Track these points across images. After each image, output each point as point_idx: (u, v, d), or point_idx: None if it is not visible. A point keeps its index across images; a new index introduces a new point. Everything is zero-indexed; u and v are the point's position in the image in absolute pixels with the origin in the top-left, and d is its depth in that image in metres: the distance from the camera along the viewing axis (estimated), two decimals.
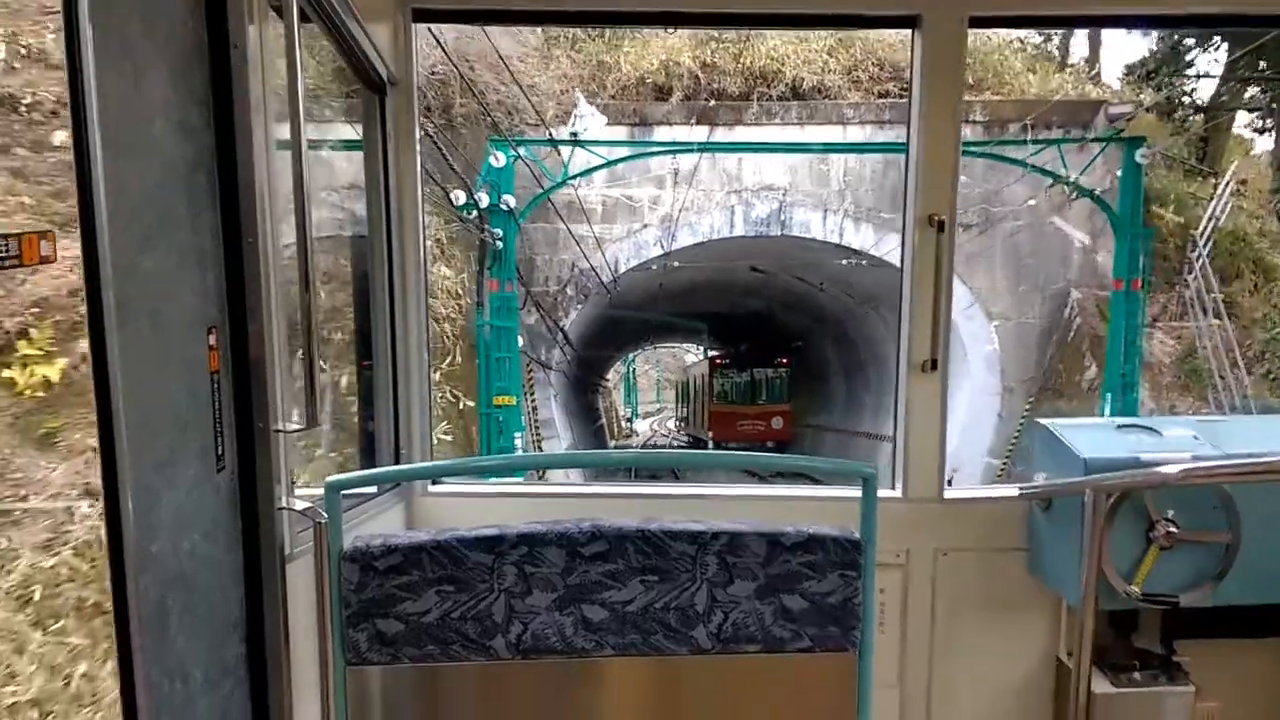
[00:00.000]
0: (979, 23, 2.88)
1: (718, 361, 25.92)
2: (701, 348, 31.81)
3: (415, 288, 2.97)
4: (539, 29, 15.09)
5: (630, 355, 37.36)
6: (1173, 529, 2.60)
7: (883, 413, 19.82)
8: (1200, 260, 14.07)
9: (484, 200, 11.20)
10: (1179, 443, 2.77)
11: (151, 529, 1.50)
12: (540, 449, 14.22)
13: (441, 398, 10.16)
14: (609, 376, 35.76)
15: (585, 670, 1.97)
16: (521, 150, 11.62)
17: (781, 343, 25.34)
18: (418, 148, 2.94)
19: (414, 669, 1.93)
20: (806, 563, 1.94)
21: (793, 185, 15.63)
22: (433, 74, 11.31)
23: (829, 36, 15.70)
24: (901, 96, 15.81)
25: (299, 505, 1.88)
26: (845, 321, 20.94)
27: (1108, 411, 11.54)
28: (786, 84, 15.22)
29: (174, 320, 1.60)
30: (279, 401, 1.83)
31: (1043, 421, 2.99)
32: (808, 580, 1.94)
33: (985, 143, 11.91)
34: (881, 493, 2.27)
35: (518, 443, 11.68)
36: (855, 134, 15.34)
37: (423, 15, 2.93)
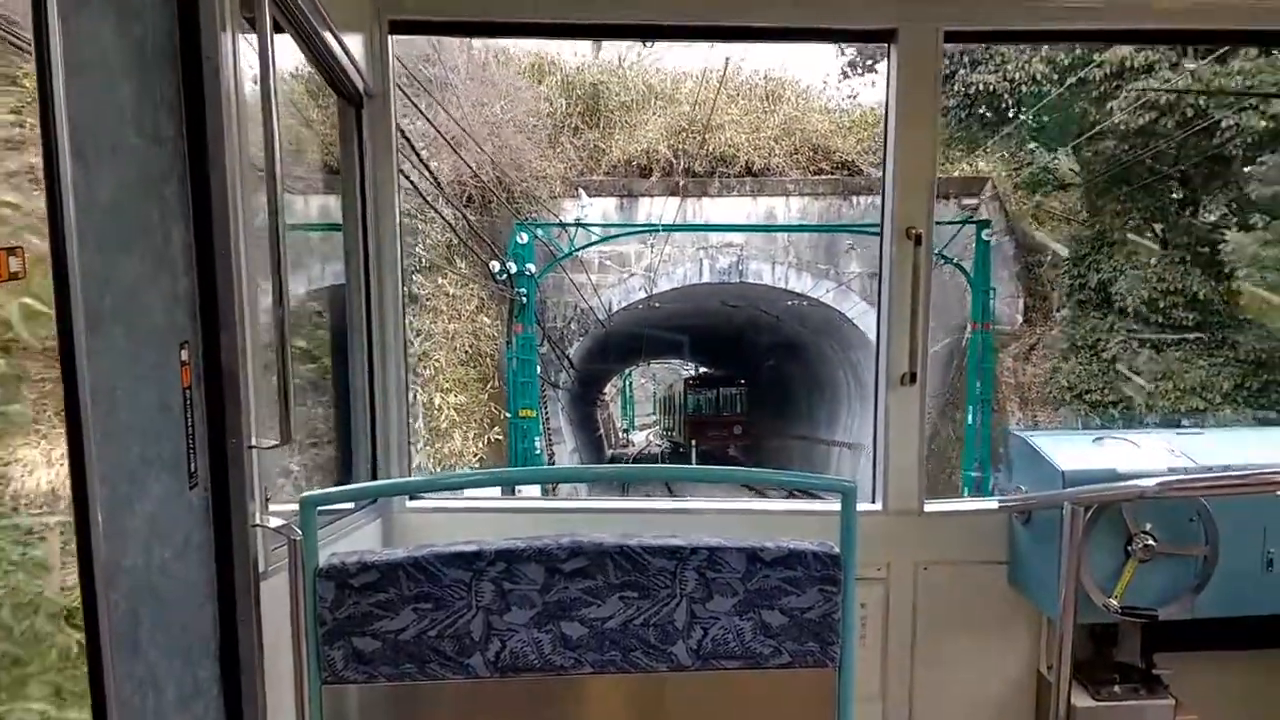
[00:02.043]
0: (954, 37, 2.90)
1: (691, 382, 30.68)
2: (692, 364, 36.19)
3: (393, 299, 2.91)
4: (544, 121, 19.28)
5: (626, 371, 41.17)
6: (1150, 542, 2.57)
7: (834, 423, 23.93)
8: (1063, 303, 18.26)
9: (512, 268, 15.43)
10: (1156, 456, 2.75)
11: (122, 542, 1.46)
12: (552, 452, 18.18)
13: (488, 411, 14.37)
14: (606, 392, 39.72)
15: (564, 688, 1.95)
16: (538, 231, 15.88)
17: (743, 366, 29.81)
18: (395, 159, 2.90)
19: (391, 687, 1.91)
20: (786, 578, 1.92)
21: (748, 242, 19.72)
22: (476, 179, 15.55)
23: (775, 127, 19.92)
24: (831, 173, 20.03)
25: (273, 522, 1.85)
26: (803, 347, 24.97)
27: (970, 417, 15.71)
28: (742, 164, 19.40)
29: (145, 333, 1.56)
30: (252, 417, 1.79)
31: (1021, 434, 2.98)
32: (787, 595, 1.92)
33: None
34: (861, 506, 2.24)
35: (537, 444, 15.83)
36: (796, 204, 19.48)
37: (399, 26, 2.89)
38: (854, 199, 19.27)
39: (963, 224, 15.11)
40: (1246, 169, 13.12)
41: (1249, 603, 2.67)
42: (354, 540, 2.54)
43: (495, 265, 15.18)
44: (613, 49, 21.92)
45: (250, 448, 1.79)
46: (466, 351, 14.49)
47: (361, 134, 2.78)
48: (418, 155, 13.52)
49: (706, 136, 19.06)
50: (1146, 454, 2.78)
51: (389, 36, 2.84)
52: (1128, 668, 2.86)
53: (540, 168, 17.26)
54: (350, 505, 2.65)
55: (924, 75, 2.83)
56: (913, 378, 2.86)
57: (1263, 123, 12.88)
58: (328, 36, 2.34)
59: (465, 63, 17.11)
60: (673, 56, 26.12)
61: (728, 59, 18.68)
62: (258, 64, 1.79)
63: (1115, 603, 2.58)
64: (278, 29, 1.94)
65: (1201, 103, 12.70)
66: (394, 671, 1.90)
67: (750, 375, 29.74)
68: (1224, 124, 12.64)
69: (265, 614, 1.84)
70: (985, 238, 15.13)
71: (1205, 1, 2.87)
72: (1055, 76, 15.12)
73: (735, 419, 29.58)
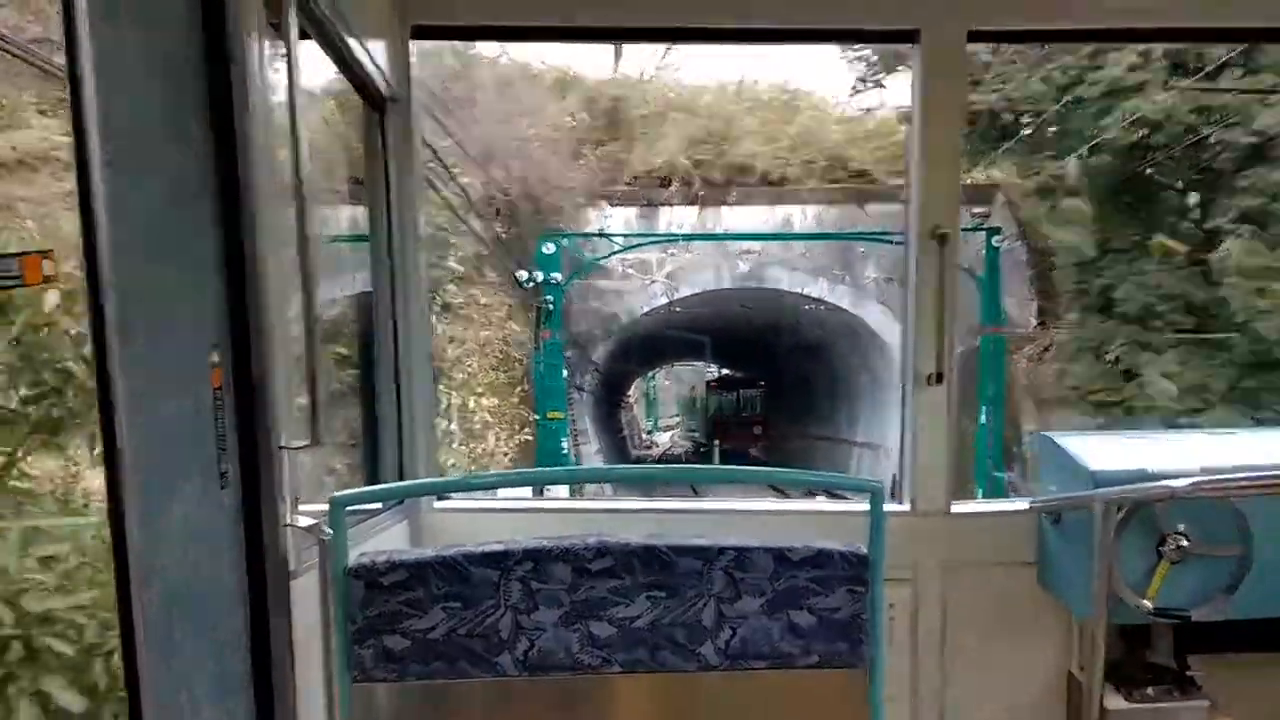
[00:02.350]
0: (978, 37, 2.90)
1: (712, 384, 31.50)
2: (715, 365, 36.91)
3: (418, 302, 2.95)
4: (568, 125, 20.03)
5: (650, 374, 41.87)
6: (1183, 542, 2.56)
7: (854, 424, 24.45)
8: (1069, 307, 18.69)
9: (539, 276, 16.19)
10: (1188, 455, 2.74)
11: (156, 544, 1.49)
12: (578, 452, 18.90)
13: (518, 414, 15.14)
14: (630, 393, 40.45)
15: (592, 687, 1.97)
16: (564, 241, 16.64)
17: (763, 368, 30.50)
18: (419, 162, 2.94)
19: (420, 686, 1.93)
20: (814, 578, 1.93)
21: (765, 249, 20.40)
22: (505, 194, 16.34)
23: (792, 138, 20.50)
24: (847, 182, 20.56)
25: (303, 522, 1.87)
26: (821, 350, 25.49)
27: (983, 417, 16.21)
28: (759, 174, 20.06)
29: (176, 336, 1.59)
30: (282, 419, 1.82)
31: (1050, 434, 2.97)
32: (815, 596, 1.93)
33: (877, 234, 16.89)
34: (889, 507, 2.26)
35: (564, 444, 16.55)
36: (812, 211, 20.06)
37: (422, 32, 2.93)
38: (868, 206, 19.82)
39: (973, 230, 15.61)
40: (1242, 183, 13.68)
41: None
42: (382, 540, 2.57)
43: (522, 274, 15.93)
44: (634, 63, 22.65)
45: (281, 448, 1.83)
46: (497, 357, 15.27)
47: (386, 138, 2.85)
48: (449, 172, 14.32)
49: (725, 147, 19.75)
50: (1178, 454, 2.78)
51: (412, 42, 2.91)
52: (1161, 669, 2.85)
53: (565, 180, 18.02)
54: (378, 506, 2.69)
55: (949, 75, 2.85)
56: (939, 378, 2.88)
57: (1247, 138, 13.64)
58: (352, 42, 2.39)
59: (493, 81, 17.91)
60: (691, 68, 26.93)
61: (742, 78, 19.36)
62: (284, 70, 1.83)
63: (1148, 603, 2.58)
64: (303, 35, 1.98)
65: (1191, 119, 13.42)
66: (423, 670, 1.93)
67: (770, 377, 30.46)
68: (1212, 139, 13.33)
69: (295, 613, 1.88)
70: (995, 244, 15.62)
71: None
72: (1053, 95, 15.67)
73: (756, 419, 30.37)
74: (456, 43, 15.77)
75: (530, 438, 14.88)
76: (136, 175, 1.48)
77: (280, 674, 1.84)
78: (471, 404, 13.70)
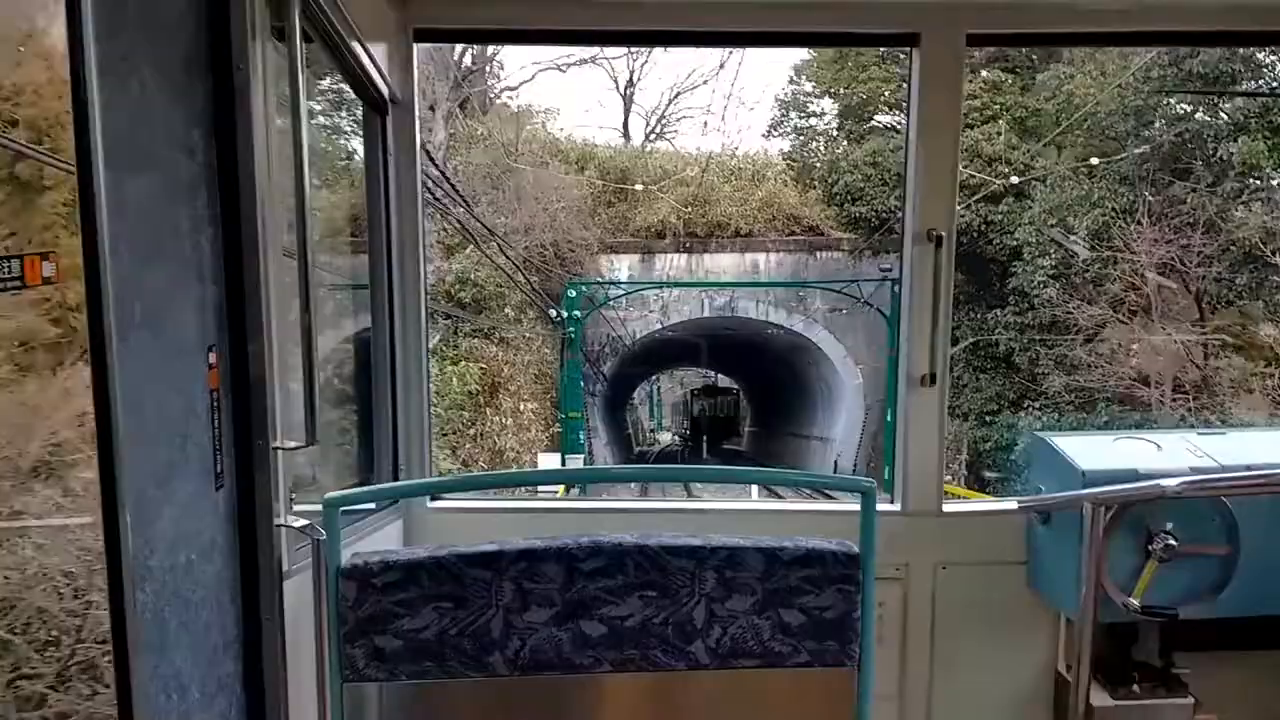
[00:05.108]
0: (976, 41, 2.94)
1: (695, 392, 38.09)
2: (709, 371, 42.99)
3: (415, 302, 2.96)
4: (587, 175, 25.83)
5: (655, 378, 47.50)
6: (1171, 542, 2.58)
7: (812, 422, 29.95)
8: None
9: (565, 313, 22.13)
10: (1177, 455, 2.79)
11: (150, 543, 1.49)
12: (591, 445, 24.52)
13: (550, 414, 21.13)
14: (635, 397, 46.17)
15: (583, 686, 2.01)
16: (583, 287, 22.65)
17: (738, 377, 36.74)
18: (419, 167, 2.99)
19: (411, 686, 1.95)
20: (805, 577, 1.95)
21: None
22: (543, 250, 22.30)
23: (759, 201, 26.21)
24: (802, 235, 26.29)
25: (297, 522, 1.88)
26: (783, 364, 31.01)
27: (889, 416, 22.03)
28: (732, 229, 25.55)
29: (174, 337, 1.60)
30: (278, 419, 1.83)
31: (1041, 434, 3.02)
32: (806, 595, 1.94)
33: (815, 282, 22.79)
34: (880, 506, 2.31)
35: (581, 436, 22.41)
36: (774, 258, 25.68)
37: (424, 35, 2.98)
38: (818, 254, 25.65)
39: (882, 281, 21.51)
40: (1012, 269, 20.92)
41: (1270, 602, 2.70)
42: (376, 540, 2.61)
43: (553, 313, 21.93)
44: (637, 138, 28.35)
45: (275, 449, 1.85)
46: (535, 373, 21.27)
47: (386, 140, 2.91)
48: (498, 244, 20.28)
49: (706, 208, 25.60)
50: (1167, 454, 2.83)
51: (414, 45, 2.97)
52: (1147, 667, 2.91)
53: (584, 236, 23.95)
54: (372, 506, 2.74)
55: (946, 78, 2.91)
56: (933, 379, 2.91)
57: (1012, 242, 20.67)
58: (355, 45, 2.43)
59: (530, 162, 23.90)
60: (681, 139, 33.24)
61: (712, 155, 24.98)
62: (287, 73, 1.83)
63: (1135, 602, 2.61)
64: (306, 39, 1.99)
65: (981, 227, 20.36)
66: (414, 670, 1.94)
67: (744, 385, 36.62)
68: (994, 241, 20.17)
69: (288, 613, 1.90)
70: (896, 291, 21.46)
71: (1231, 3, 2.89)
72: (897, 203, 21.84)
73: (731, 418, 36.65)
74: (510, 138, 21.66)
75: (558, 429, 20.92)
76: (138, 177, 1.50)
77: (272, 674, 1.87)
78: (521, 407, 19.65)
